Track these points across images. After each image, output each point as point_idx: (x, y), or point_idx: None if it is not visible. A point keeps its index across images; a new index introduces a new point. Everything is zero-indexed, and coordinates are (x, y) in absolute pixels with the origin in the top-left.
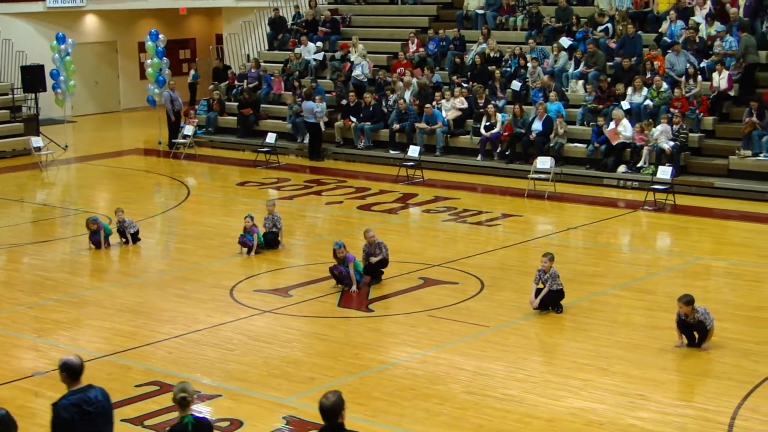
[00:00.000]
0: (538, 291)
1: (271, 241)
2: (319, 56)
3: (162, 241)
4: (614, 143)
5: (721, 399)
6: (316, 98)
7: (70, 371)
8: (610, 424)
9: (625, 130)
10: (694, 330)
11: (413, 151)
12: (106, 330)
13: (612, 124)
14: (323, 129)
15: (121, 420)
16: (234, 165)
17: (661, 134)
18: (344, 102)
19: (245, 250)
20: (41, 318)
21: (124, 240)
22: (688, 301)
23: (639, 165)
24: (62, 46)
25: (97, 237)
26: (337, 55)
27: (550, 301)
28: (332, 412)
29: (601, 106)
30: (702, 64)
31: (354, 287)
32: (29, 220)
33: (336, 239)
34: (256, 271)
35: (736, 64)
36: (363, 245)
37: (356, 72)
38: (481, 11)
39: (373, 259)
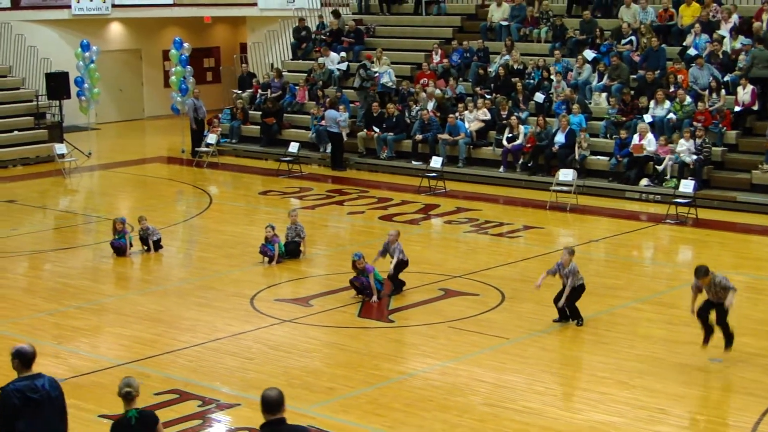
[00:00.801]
0: (562, 288)
1: (293, 251)
2: (343, 66)
3: (183, 250)
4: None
5: (741, 414)
6: (340, 108)
7: (22, 358)
8: None
9: (649, 144)
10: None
11: (435, 162)
12: (126, 337)
13: (636, 138)
14: (345, 138)
15: None
16: (256, 174)
17: (685, 148)
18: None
19: (266, 259)
20: (61, 325)
21: (146, 248)
22: (705, 271)
23: (660, 170)
24: (87, 54)
25: (122, 243)
26: (369, 64)
27: (573, 298)
28: (276, 403)
29: (624, 119)
30: (726, 78)
31: (375, 297)
32: (52, 226)
33: (357, 249)
34: (277, 281)
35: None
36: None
37: (384, 80)
38: (505, 23)
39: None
